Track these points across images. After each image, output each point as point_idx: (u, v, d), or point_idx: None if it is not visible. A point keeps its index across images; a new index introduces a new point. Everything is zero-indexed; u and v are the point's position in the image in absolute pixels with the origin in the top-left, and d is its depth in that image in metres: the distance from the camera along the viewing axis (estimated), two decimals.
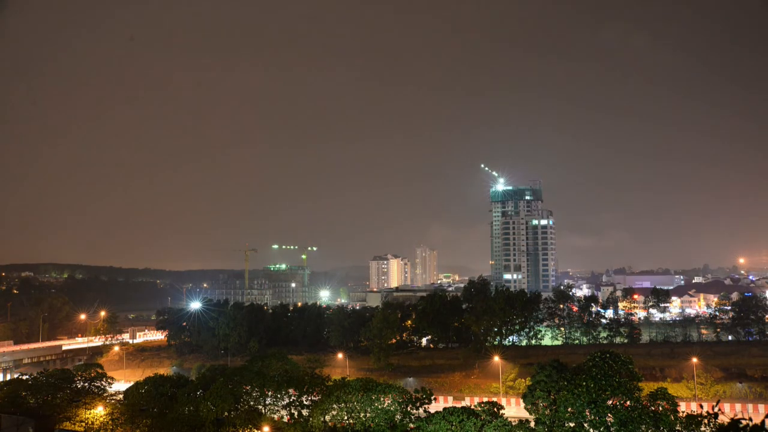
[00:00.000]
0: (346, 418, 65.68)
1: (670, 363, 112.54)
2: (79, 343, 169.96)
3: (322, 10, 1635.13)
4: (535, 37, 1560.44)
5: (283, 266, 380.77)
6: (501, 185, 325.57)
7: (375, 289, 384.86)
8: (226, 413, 70.27)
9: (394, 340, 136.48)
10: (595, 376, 62.14)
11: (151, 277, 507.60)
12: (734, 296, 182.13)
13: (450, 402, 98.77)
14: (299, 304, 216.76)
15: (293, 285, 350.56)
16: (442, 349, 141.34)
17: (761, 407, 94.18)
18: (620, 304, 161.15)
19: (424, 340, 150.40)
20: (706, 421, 55.85)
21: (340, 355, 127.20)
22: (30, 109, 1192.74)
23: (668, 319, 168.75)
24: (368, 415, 64.89)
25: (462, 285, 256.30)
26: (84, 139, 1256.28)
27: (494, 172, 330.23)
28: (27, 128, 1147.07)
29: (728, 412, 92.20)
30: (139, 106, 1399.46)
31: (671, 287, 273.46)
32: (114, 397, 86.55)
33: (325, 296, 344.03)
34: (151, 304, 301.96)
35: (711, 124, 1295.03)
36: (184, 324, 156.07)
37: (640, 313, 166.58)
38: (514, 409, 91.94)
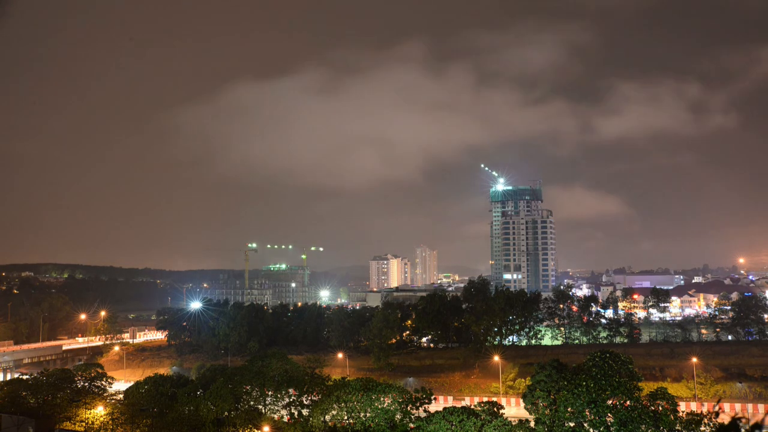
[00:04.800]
0: (346, 418, 65.72)
1: (670, 363, 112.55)
2: (80, 343, 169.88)
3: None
4: (537, 37, 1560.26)
5: (283, 266, 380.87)
6: (501, 185, 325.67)
7: (375, 289, 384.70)
8: (226, 413, 70.39)
9: (394, 340, 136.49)
10: (595, 376, 62.25)
11: (151, 277, 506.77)
12: (734, 296, 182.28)
13: (450, 402, 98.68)
14: (299, 304, 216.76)
15: (293, 285, 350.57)
16: (442, 349, 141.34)
17: (761, 407, 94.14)
18: (620, 304, 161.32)
19: (424, 340, 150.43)
20: (706, 420, 55.98)
21: (340, 355, 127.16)
22: (29, 108, 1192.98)
23: (668, 319, 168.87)
24: (368, 414, 64.93)
25: (462, 285, 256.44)
26: (83, 139, 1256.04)
27: (494, 172, 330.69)
28: (27, 128, 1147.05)
29: (728, 411, 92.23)
30: (139, 105, 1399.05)
31: (671, 287, 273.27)
32: (114, 397, 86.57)
33: (325, 296, 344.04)
34: (151, 304, 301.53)
35: (710, 124, 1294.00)
36: (184, 324, 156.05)
37: (640, 313, 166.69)
38: (514, 409, 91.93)
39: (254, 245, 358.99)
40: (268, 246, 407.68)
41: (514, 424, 60.39)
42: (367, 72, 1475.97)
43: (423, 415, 64.55)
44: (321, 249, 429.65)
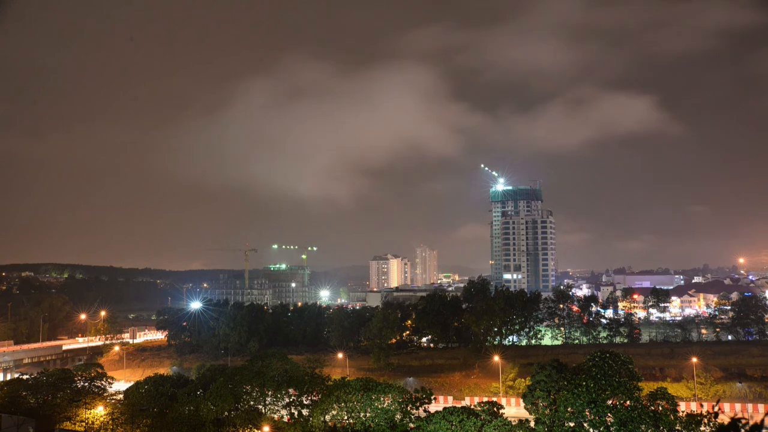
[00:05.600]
0: (346, 417, 65.75)
1: (669, 363, 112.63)
2: (80, 343, 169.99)
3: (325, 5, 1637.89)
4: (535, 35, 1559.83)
5: (283, 266, 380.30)
6: (501, 185, 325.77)
7: (375, 289, 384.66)
8: (226, 413, 70.43)
9: (394, 340, 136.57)
10: (595, 376, 62.29)
11: (151, 277, 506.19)
12: (734, 296, 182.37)
13: (450, 402, 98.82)
14: (299, 304, 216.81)
15: (293, 285, 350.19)
16: (442, 349, 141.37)
17: (761, 407, 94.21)
18: (620, 304, 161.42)
19: (424, 340, 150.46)
20: (705, 420, 55.99)
21: (340, 355, 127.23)
22: (30, 108, 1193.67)
23: (668, 319, 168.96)
24: (368, 414, 64.97)
25: (462, 285, 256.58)
26: (83, 139, 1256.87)
27: (494, 172, 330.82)
28: (27, 128, 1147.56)
29: (728, 411, 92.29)
30: (139, 105, 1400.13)
31: (671, 287, 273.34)
32: (114, 397, 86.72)
33: (325, 296, 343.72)
34: (151, 304, 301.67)
35: (710, 124, 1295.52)
36: (185, 324, 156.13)
37: (640, 313, 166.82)
38: (514, 409, 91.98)
39: (255, 249, 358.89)
40: (275, 246, 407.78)
41: (514, 424, 60.42)
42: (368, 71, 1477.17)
43: (423, 415, 64.60)
44: (315, 248, 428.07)
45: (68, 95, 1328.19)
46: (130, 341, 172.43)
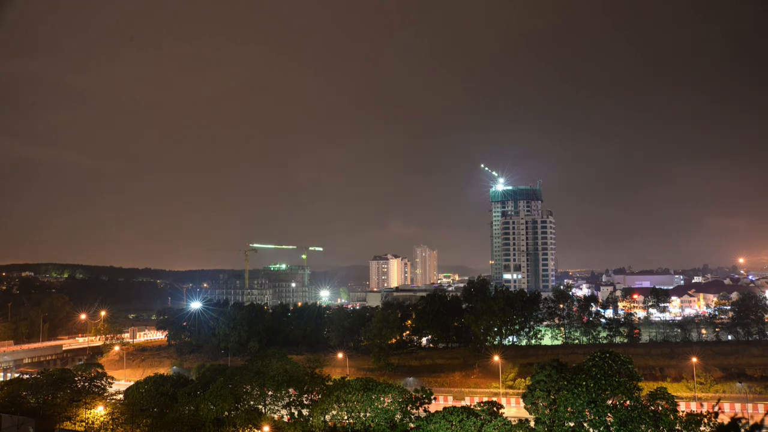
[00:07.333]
0: (346, 417, 65.79)
1: (669, 363, 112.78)
2: (80, 343, 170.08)
3: (321, 8, 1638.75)
4: (536, 37, 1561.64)
5: (283, 266, 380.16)
6: (501, 185, 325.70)
7: (375, 289, 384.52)
8: (226, 413, 70.45)
9: (394, 340, 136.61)
10: (595, 375, 62.37)
11: (151, 277, 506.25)
12: (734, 296, 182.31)
13: (450, 402, 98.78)
14: (299, 304, 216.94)
15: (293, 285, 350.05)
16: (442, 349, 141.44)
17: (761, 407, 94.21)
18: (620, 304, 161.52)
19: (424, 340, 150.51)
20: (705, 420, 56.04)
21: (340, 355, 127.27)
22: (30, 109, 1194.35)
23: (668, 319, 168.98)
24: (368, 414, 65.03)
25: (462, 285, 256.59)
26: (83, 139, 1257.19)
27: (494, 172, 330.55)
28: (27, 129, 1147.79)
29: (728, 411, 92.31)
30: (139, 107, 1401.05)
31: (671, 287, 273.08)
32: (114, 397, 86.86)
33: (325, 296, 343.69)
34: (151, 304, 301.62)
35: (711, 122, 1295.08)
36: (185, 324, 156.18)
37: (640, 313, 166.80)
38: (514, 409, 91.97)
39: (255, 245, 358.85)
40: (270, 246, 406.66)
41: (514, 424, 60.48)
42: None
43: (423, 414, 64.68)
44: (320, 249, 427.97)
45: (67, 96, 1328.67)
46: (130, 341, 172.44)
